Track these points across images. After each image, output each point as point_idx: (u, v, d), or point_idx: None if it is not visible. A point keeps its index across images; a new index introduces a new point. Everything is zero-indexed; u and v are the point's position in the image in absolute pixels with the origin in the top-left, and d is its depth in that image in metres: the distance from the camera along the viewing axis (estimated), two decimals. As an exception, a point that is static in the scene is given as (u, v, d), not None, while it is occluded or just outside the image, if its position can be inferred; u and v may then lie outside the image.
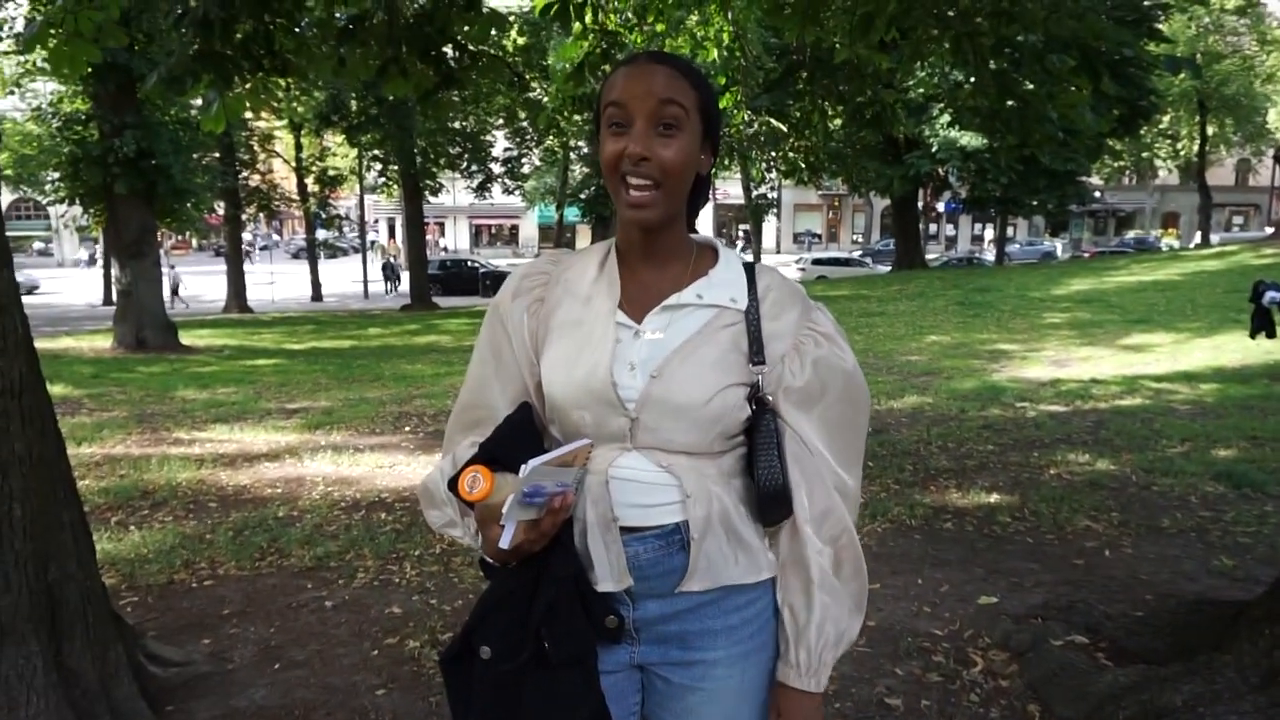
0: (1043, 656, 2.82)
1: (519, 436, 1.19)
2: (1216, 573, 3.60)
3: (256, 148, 27.74)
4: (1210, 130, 36.36)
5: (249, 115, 6.23)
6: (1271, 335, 8.04)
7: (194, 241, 45.27)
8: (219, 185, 22.50)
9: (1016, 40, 5.12)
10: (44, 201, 32.36)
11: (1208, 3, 30.12)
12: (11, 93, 18.45)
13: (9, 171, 22.92)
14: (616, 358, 1.17)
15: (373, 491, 5.07)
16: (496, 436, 1.20)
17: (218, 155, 23.23)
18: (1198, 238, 37.46)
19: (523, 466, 1.06)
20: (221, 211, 26.11)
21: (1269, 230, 30.01)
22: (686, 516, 1.18)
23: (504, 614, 1.15)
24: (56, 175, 15.36)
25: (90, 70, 11.36)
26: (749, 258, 1.35)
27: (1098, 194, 41.03)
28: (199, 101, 5.10)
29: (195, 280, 30.92)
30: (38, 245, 46.79)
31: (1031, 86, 5.34)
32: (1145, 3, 21.35)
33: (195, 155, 16.62)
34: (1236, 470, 4.85)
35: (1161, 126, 36.74)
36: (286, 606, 3.52)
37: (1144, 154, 40.97)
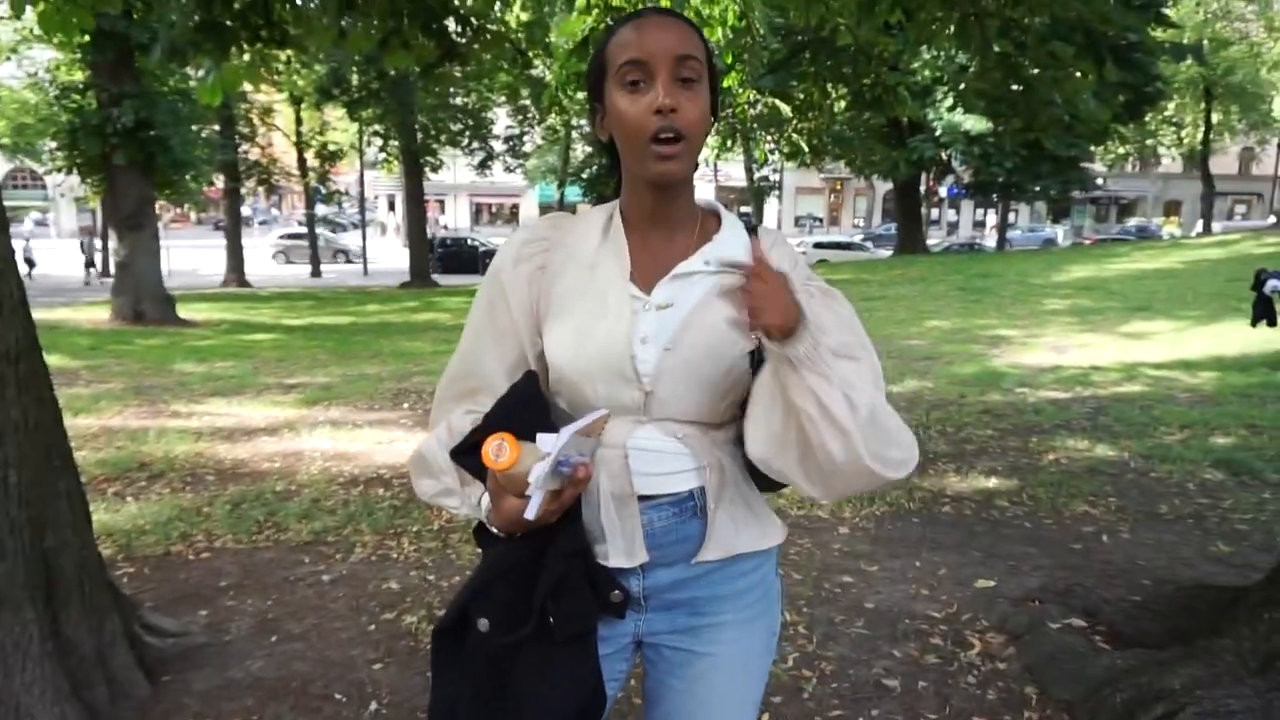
0: (1040, 639, 2.82)
1: (528, 406, 1.17)
2: (1214, 559, 3.60)
3: (256, 120, 27.52)
4: (1215, 118, 36.19)
5: (248, 87, 6.19)
6: (1273, 324, 8.04)
7: (193, 215, 45.01)
8: (218, 158, 22.35)
9: (1022, 23, 5.07)
10: (41, 171, 32.20)
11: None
12: (8, 59, 18.30)
13: (5, 140, 22.76)
14: (630, 329, 1.15)
15: (371, 467, 5.06)
16: (505, 406, 1.18)
17: (217, 128, 23.06)
18: (1200, 226, 37.38)
19: (552, 434, 1.05)
20: (221, 185, 25.95)
21: (1271, 219, 29.96)
22: (702, 483, 1.18)
23: (506, 586, 1.14)
24: (54, 144, 15.24)
25: (87, 38, 11.27)
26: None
27: (1100, 181, 40.90)
28: (200, 72, 5.04)
29: (193, 254, 30.79)
30: (34, 216, 46.55)
31: (1036, 71, 5.30)
32: (1153, -12, 21.25)
33: (195, 127, 16.47)
34: (1235, 458, 4.85)
35: (1166, 113, 36.54)
36: (283, 580, 3.52)
37: (1148, 141, 40.82)
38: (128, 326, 13.27)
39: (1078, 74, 5.20)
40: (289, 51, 5.56)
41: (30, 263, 25.84)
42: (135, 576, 3.54)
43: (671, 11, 1.16)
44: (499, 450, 1.02)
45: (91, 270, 25.64)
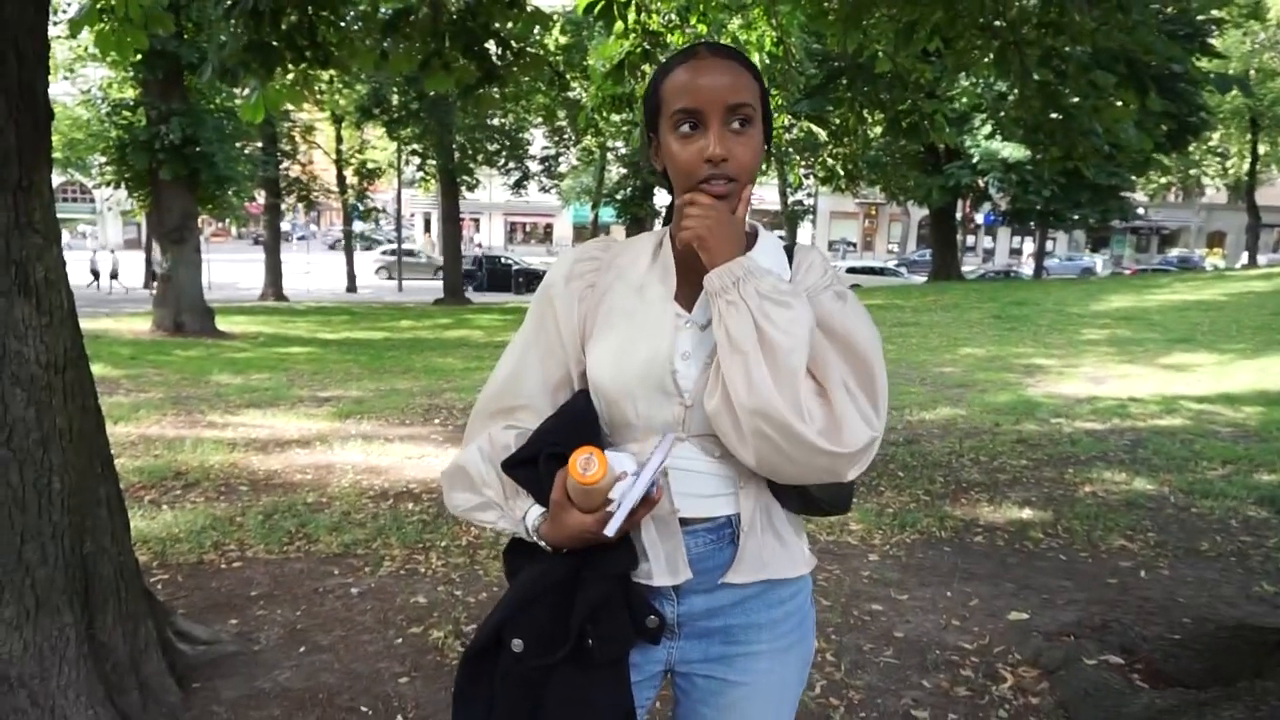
0: (1075, 675, 2.76)
1: (581, 425, 1.18)
2: (1257, 599, 3.51)
3: (298, 138, 28.07)
4: (1261, 149, 35.59)
5: (290, 106, 6.31)
6: (1318, 359, 7.86)
7: (233, 229, 45.87)
8: (260, 174, 22.80)
9: (1063, 52, 5.04)
10: (90, 185, 33.04)
11: (1264, 18, 29.49)
12: (65, 78, 18.83)
13: (58, 154, 23.40)
14: (672, 346, 1.16)
15: (401, 481, 5.10)
16: (559, 423, 1.19)
17: (260, 145, 23.55)
18: (1245, 258, 36.70)
19: (626, 453, 1.06)
20: (261, 200, 26.45)
21: (1317, 253, 29.41)
22: (738, 509, 1.19)
23: (544, 607, 1.13)
24: (103, 159, 15.63)
25: (139, 57, 11.58)
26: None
27: (1141, 210, 40.35)
28: (245, 91, 5.17)
29: (232, 268, 31.35)
30: (82, 229, 47.67)
31: (1076, 100, 5.26)
32: (1199, 17, 21.05)
33: (238, 144, 16.84)
34: (1279, 495, 4.74)
35: (1211, 144, 36.02)
36: (313, 591, 3.54)
37: (1191, 171, 40.23)
38: (167, 337, 13.53)
39: (1119, 103, 5.17)
40: (332, 71, 5.66)
41: (95, 274, 26.79)
42: (168, 584, 3.59)
43: (726, 50, 1.16)
44: (588, 464, 1.02)
45: (100, 283, 26.37)
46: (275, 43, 4.60)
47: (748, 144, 1.12)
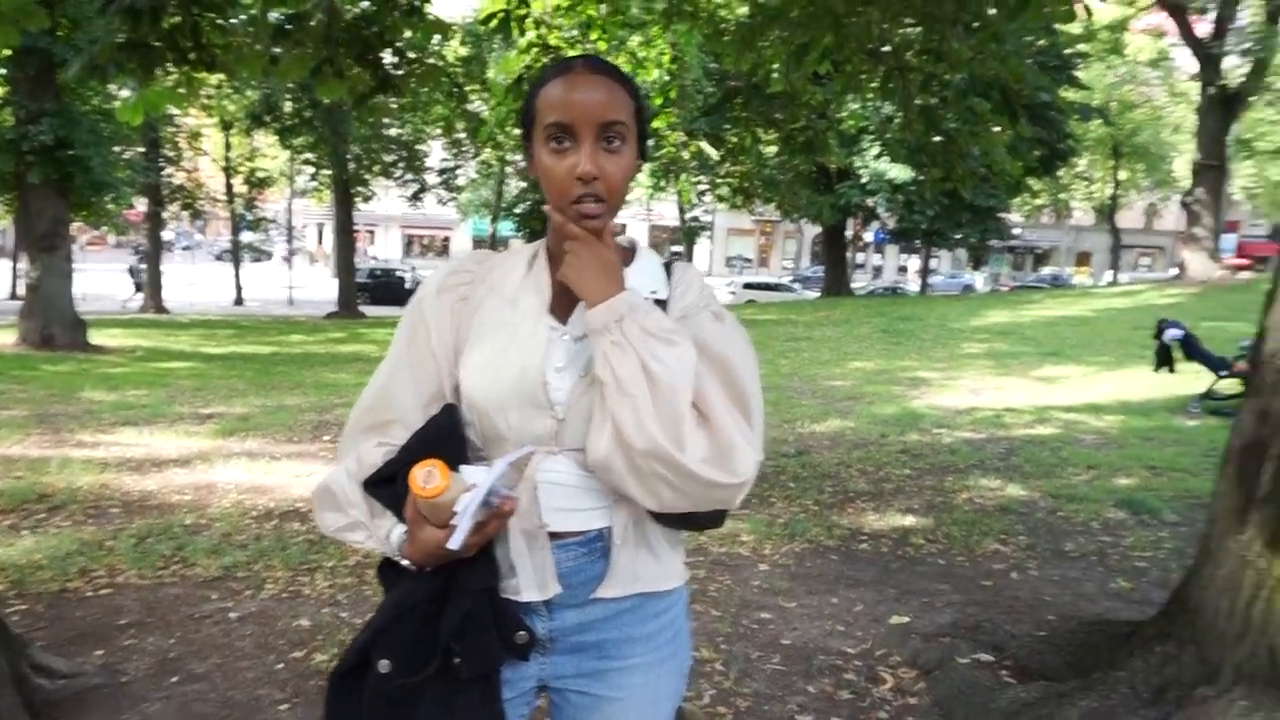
0: (949, 674, 2.88)
1: (447, 439, 1.17)
2: (1114, 595, 3.74)
3: (183, 144, 26.89)
4: (1122, 175, 38.12)
5: (175, 110, 6.06)
6: (1172, 371, 8.45)
7: (111, 237, 43.53)
8: (140, 180, 21.74)
9: (943, 79, 5.31)
10: (-51, 189, 30.82)
11: (1123, 53, 31.63)
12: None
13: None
14: (545, 358, 1.16)
15: (287, 500, 4.93)
16: (423, 438, 1.17)
17: (142, 150, 22.47)
18: (1108, 276, 39.15)
19: (477, 467, 1.04)
20: (142, 208, 25.22)
21: (1173, 271, 31.57)
22: (610, 522, 1.18)
23: (409, 626, 1.11)
24: (-37, 160, 14.63)
25: (8, 53, 10.91)
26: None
27: (1017, 230, 42.60)
28: (124, 92, 4.94)
29: (109, 279, 29.75)
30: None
31: (956, 124, 5.54)
32: (1066, 51, 22.45)
33: (117, 148, 16.01)
34: (1136, 498, 5.06)
35: (1078, 169, 38.36)
36: (188, 617, 3.39)
37: (1061, 194, 42.73)
38: (34, 351, 12.70)
39: (995, 129, 5.47)
40: (219, 75, 5.46)
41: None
42: (27, 614, 3.36)
43: (602, 65, 1.16)
44: (428, 477, 1.01)
45: None
46: (155, 43, 4.42)
47: (619, 162, 1.13)
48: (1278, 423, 2.25)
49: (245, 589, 3.67)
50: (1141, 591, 3.76)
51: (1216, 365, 8.03)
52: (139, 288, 25.87)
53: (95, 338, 13.89)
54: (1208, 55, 23.62)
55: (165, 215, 27.40)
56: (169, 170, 26.04)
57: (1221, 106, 23.60)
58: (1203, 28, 24.68)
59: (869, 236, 39.66)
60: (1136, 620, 2.87)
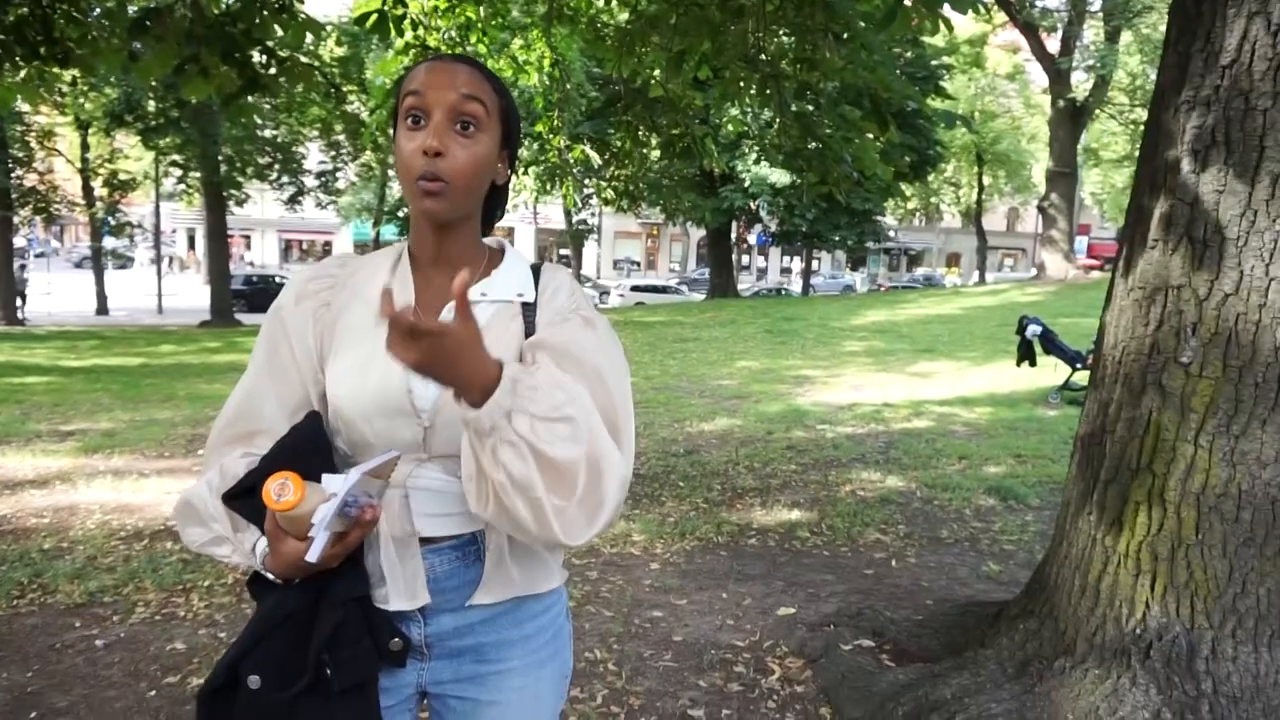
0: (833, 661, 2.99)
1: (310, 447, 1.14)
2: (985, 577, 3.96)
3: (34, 144, 25.12)
4: (986, 180, 40.33)
5: (25, 107, 5.66)
6: (1033, 364, 8.99)
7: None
8: (-14, 183, 20.21)
9: (817, 87, 5.51)
10: None
11: (984, 66, 33.46)
12: None
13: None
14: None
15: (158, 519, 4.68)
16: (285, 446, 1.14)
17: (-14, 149, 20.90)
18: (976, 276, 41.29)
19: (338, 475, 1.01)
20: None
21: (1033, 271, 33.60)
22: (483, 526, 1.17)
23: (280, 639, 1.08)
24: None
25: None
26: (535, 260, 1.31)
27: (892, 233, 44.40)
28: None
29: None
30: None
31: (830, 130, 5.76)
32: (932, 63, 23.58)
33: (-44, 148, 14.84)
34: (1004, 485, 5.37)
35: (946, 175, 40.38)
36: (49, 648, 3.18)
37: (931, 198, 44.90)
38: None
39: (867, 135, 5.71)
40: (74, 71, 5.14)
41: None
42: None
43: (468, 60, 1.16)
44: (281, 489, 0.98)
45: None
46: (2, 35, 4.14)
47: (471, 149, 1.12)
48: (1117, 412, 2.43)
49: (113, 614, 3.47)
50: (1010, 573, 3.99)
51: (1072, 358, 8.59)
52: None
53: (-64, 353, 12.84)
54: (1057, 70, 25.28)
55: (16, 220, 25.53)
56: (18, 172, 24.28)
57: (1070, 118, 25.32)
58: (1052, 44, 26.39)
59: (752, 239, 40.59)
60: (1004, 600, 3.05)
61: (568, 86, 8.55)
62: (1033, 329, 8.83)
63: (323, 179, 28.86)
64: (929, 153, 24.40)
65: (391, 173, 27.75)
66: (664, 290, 34.23)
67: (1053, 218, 25.36)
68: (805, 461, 6.14)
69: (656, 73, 6.23)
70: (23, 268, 25.83)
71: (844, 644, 3.09)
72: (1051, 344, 8.79)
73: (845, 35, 4.99)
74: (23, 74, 4.52)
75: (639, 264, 52.60)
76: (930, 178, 32.12)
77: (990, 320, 16.77)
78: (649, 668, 3.06)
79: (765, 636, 3.33)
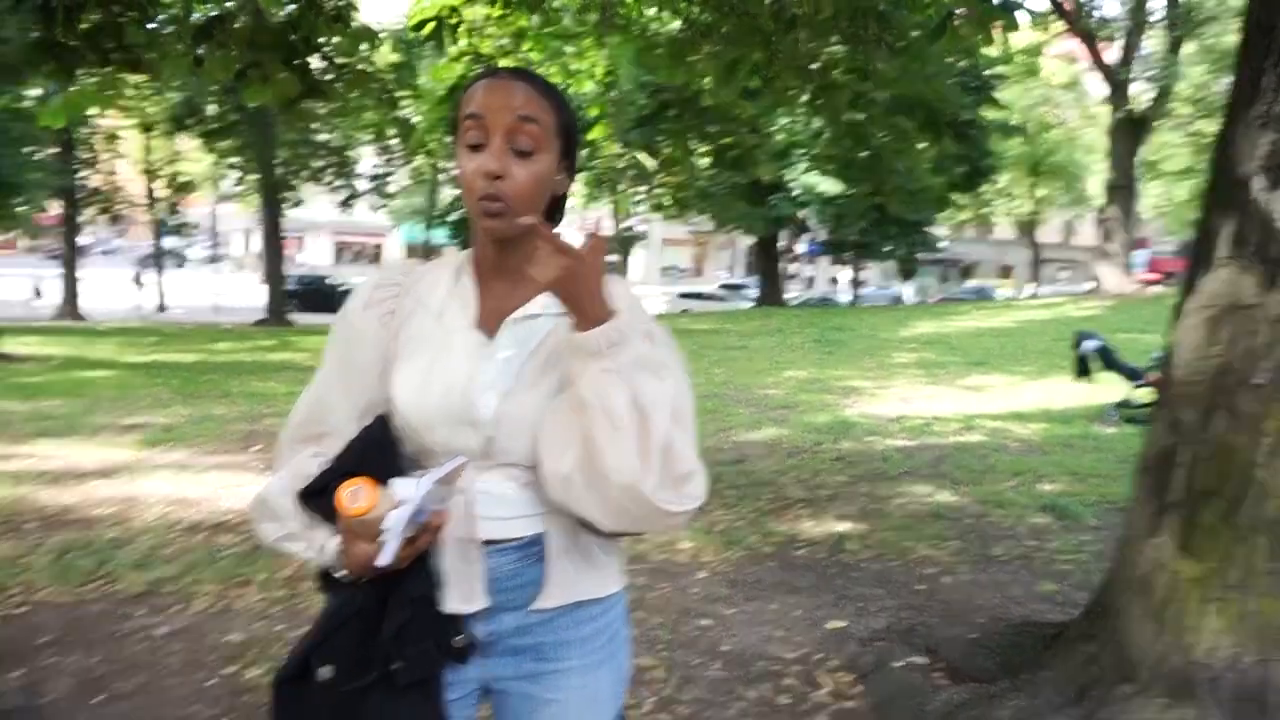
0: (885, 678, 2.96)
1: (379, 450, 1.17)
2: (1040, 597, 3.88)
3: (100, 146, 25.94)
4: (1041, 192, 39.59)
5: (95, 111, 5.84)
6: (1090, 380, 8.79)
7: (22, 241, 41.68)
8: (55, 183, 20.89)
9: (870, 96, 5.46)
10: None
11: (1039, 76, 32.89)
12: None
13: None
14: (472, 375, 1.16)
15: (216, 513, 4.80)
16: (355, 449, 1.17)
17: (56, 151, 21.62)
18: (1030, 289, 40.58)
19: (408, 480, 1.04)
20: (57, 211, 24.25)
21: (1089, 285, 32.91)
22: (545, 528, 1.19)
23: (350, 633, 1.12)
24: None
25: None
26: None
27: (943, 244, 43.83)
28: (36, 92, 4.78)
29: (21, 284, 28.52)
30: None
31: (883, 141, 5.71)
32: (986, 73, 23.27)
33: (28, 149, 15.36)
34: (1059, 503, 5.26)
35: (999, 185, 39.72)
36: (112, 635, 3.27)
37: (984, 209, 44.16)
38: (-60, 360, 12.12)
39: (919, 145, 5.65)
40: (140, 77, 5.30)
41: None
42: (-62, 635, 3.21)
43: (527, 74, 1.18)
44: (354, 496, 1.01)
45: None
46: (73, 43, 4.28)
47: (530, 169, 1.14)
48: (1186, 433, 2.37)
49: (173, 604, 3.57)
50: (1065, 594, 3.91)
51: (1131, 375, 8.38)
52: (38, 293, 25.29)
53: (7, 345, 13.30)
54: (1116, 81, 24.75)
55: (80, 219, 26.37)
56: (85, 173, 25.09)
57: (1130, 130, 24.72)
58: (1111, 54, 25.83)
59: (801, 248, 40.32)
60: (1061, 622, 2.99)
61: (620, 94, 8.59)
62: (1089, 344, 8.64)
63: (376, 182, 29.36)
64: (982, 163, 24.05)
65: (442, 177, 28.18)
66: (711, 298, 34.15)
67: (1111, 230, 24.81)
68: (854, 473, 6.08)
69: (707, 82, 6.23)
70: (139, 274, 27.06)
71: (896, 660, 3.05)
72: (1110, 360, 8.58)
73: (899, 45, 4.95)
74: (96, 80, 4.67)
75: (686, 271, 52.57)
76: (983, 188, 31.60)
77: (1044, 334, 16.44)
78: (698, 677, 3.06)
79: (815, 649, 3.30)
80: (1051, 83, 36.01)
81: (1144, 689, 2.29)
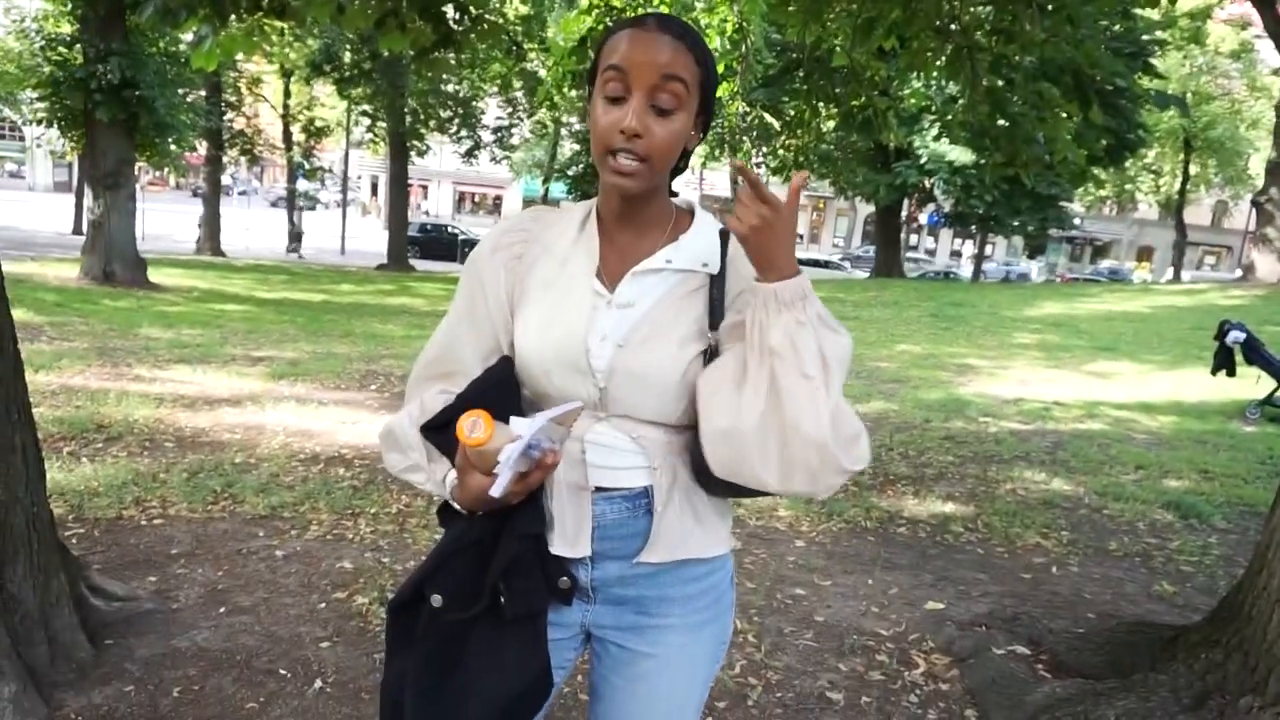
0: (983, 664, 2.87)
1: (501, 390, 1.19)
2: (1157, 598, 3.68)
3: (244, 90, 27.19)
4: (1193, 169, 36.88)
5: (239, 56, 6.12)
6: (1232, 374, 8.21)
7: (171, 180, 44.33)
8: (202, 124, 22.04)
9: (1013, 60, 5.16)
10: (20, 121, 31.57)
11: (1204, 43, 30.47)
12: (-4, 7, 17.94)
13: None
14: (590, 325, 1.17)
15: (333, 446, 5.03)
16: (479, 387, 1.20)
17: (204, 93, 22.78)
18: (1170, 273, 38.09)
19: (525, 419, 1.06)
20: (202, 151, 25.61)
21: (1238, 273, 30.58)
22: (652, 482, 1.20)
23: (462, 563, 1.15)
24: (35, 95, 14.92)
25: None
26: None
27: (1078, 221, 41.55)
28: (188, 35, 5.01)
29: (169, 219, 30.38)
30: (9, 168, 45.56)
31: (1022, 108, 5.39)
32: (1143, 37, 21.69)
33: (181, 91, 16.23)
34: (1185, 501, 4.96)
35: (1146, 161, 37.19)
36: (236, 552, 3.49)
37: (1126, 186, 41.51)
38: (96, 286, 13.04)
39: (1063, 115, 5.31)
40: (285, 23, 5.49)
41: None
42: (84, 538, 3.49)
43: (676, 25, 1.13)
44: (474, 426, 1.03)
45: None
46: (228, -13, 4.45)
47: (669, 127, 1.11)
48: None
49: (291, 529, 3.77)
50: (1185, 596, 3.69)
51: None
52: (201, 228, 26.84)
53: (154, 276, 14.22)
54: (1293, 49, 22.66)
55: (224, 160, 27.79)
56: (230, 115, 26.36)
57: (1304, 104, 22.66)
58: (1291, 20, 23.64)
59: (923, 219, 38.95)
60: (1180, 625, 2.83)
61: (747, 52, 8.42)
62: (1235, 335, 8.04)
63: (499, 134, 29.80)
64: (1129, 136, 22.48)
65: (565, 131, 28.35)
66: (825, 265, 33.48)
67: (1269, 214, 22.92)
68: (963, 454, 5.88)
69: (840, 41, 6.01)
70: (296, 222, 28.72)
71: (996, 647, 2.95)
72: (1256, 353, 7.98)
73: (1049, 6, 4.64)
74: (245, 25, 4.86)
75: (802, 237, 51.63)
76: (1128, 163, 29.65)
77: (1183, 322, 15.45)
78: (789, 644, 3.04)
79: (911, 629, 3.23)
80: (1218, 50, 33.28)
81: (1272, 703, 2.14)
